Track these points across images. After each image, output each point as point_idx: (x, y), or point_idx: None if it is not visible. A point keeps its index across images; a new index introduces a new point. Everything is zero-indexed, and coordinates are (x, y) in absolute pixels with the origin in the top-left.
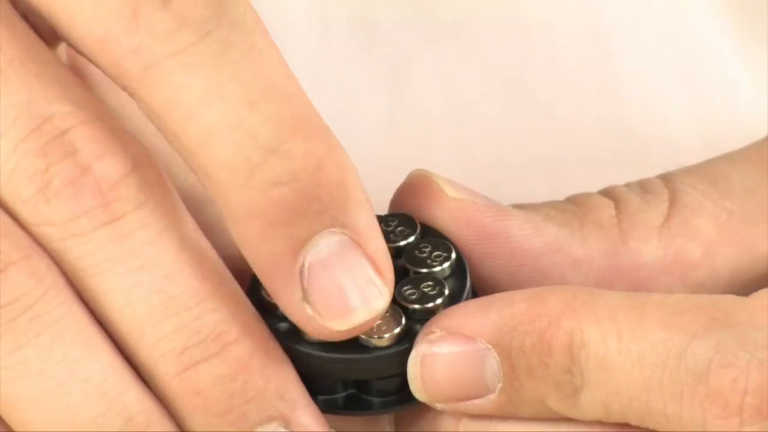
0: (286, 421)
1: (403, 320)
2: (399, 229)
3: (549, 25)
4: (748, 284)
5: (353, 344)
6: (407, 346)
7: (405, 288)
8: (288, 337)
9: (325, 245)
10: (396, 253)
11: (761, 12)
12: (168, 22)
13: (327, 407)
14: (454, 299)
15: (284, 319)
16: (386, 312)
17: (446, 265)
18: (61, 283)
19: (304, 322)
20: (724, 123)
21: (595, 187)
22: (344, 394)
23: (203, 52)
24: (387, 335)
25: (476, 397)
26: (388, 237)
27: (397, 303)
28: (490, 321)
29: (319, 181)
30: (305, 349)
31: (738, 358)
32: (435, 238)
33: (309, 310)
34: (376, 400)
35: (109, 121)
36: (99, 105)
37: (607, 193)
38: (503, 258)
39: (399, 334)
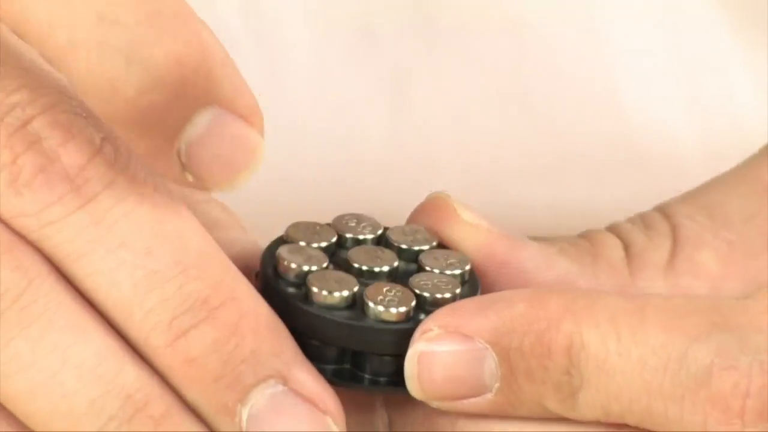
0: (283, 379)
1: (413, 303)
2: (420, 236)
3: (549, 33)
4: None
5: (359, 313)
6: (409, 327)
7: (419, 278)
8: (295, 298)
9: (198, 124)
10: (413, 257)
11: (761, 16)
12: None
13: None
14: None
15: (291, 283)
16: (398, 290)
17: (460, 271)
18: (45, 271)
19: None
20: (724, 127)
21: (594, 193)
22: (338, 367)
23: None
24: (394, 310)
25: (473, 396)
26: (405, 243)
27: (409, 288)
28: (489, 321)
29: (183, 74)
30: (312, 311)
31: (739, 362)
32: (453, 250)
33: (200, 176)
34: (367, 376)
35: (70, 102)
36: (59, 87)
37: (614, 230)
38: (513, 287)
39: (405, 312)
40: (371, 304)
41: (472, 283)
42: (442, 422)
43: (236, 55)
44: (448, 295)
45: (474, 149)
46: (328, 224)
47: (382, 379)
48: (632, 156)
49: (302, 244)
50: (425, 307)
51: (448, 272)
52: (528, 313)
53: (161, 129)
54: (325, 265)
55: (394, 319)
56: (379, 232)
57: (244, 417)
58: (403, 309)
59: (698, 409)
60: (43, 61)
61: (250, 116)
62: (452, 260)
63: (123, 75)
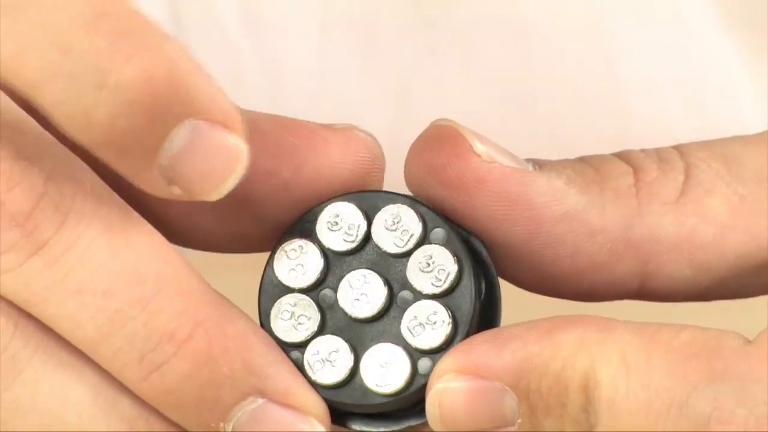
0: (260, 393)
1: (408, 372)
2: (402, 229)
3: (551, 35)
4: (749, 270)
5: (363, 393)
6: (415, 388)
7: (409, 321)
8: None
9: (179, 137)
10: (401, 255)
11: (762, 17)
12: None
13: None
14: (461, 326)
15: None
16: (389, 360)
17: (449, 284)
18: (24, 317)
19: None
20: (725, 128)
21: None
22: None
23: None
24: (392, 386)
25: (495, 429)
26: (389, 241)
27: (402, 340)
28: (505, 363)
29: (155, 92)
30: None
31: (735, 416)
32: (438, 244)
33: (182, 188)
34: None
35: (14, 142)
36: (1, 129)
37: (624, 157)
38: (521, 223)
39: (405, 384)
40: (369, 386)
41: (465, 287)
42: None
43: (238, 59)
44: (443, 339)
45: None
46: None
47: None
48: None
49: (289, 305)
50: (423, 354)
51: (438, 289)
52: (543, 354)
53: (140, 149)
54: (316, 326)
55: (397, 390)
56: (362, 235)
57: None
58: (400, 384)
59: None
60: None
61: (229, 122)
62: (440, 267)
63: (94, 102)
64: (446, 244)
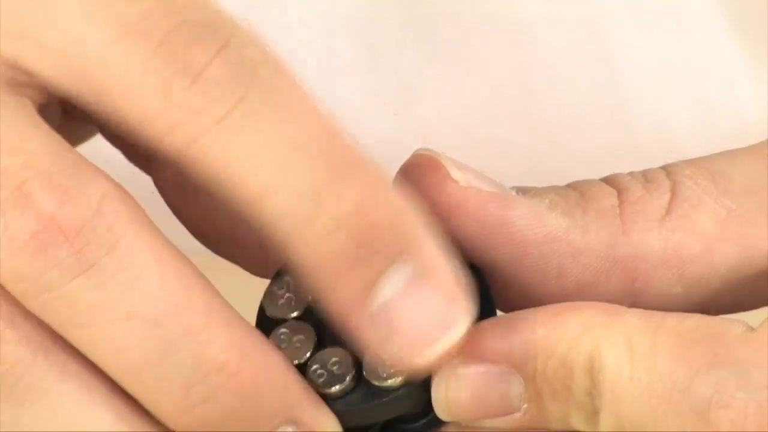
0: (293, 422)
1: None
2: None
3: (552, 41)
4: (743, 281)
5: (372, 394)
6: (420, 382)
7: None
8: None
9: (395, 281)
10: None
11: (761, 12)
12: (200, 97)
13: None
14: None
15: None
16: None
17: None
18: (49, 342)
19: (391, 361)
20: (726, 127)
21: None
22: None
23: (240, 120)
24: (397, 376)
25: (502, 415)
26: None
27: None
28: (512, 346)
29: (372, 219)
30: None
31: (736, 399)
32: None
33: (392, 348)
34: (407, 427)
35: (68, 160)
36: (57, 146)
37: (610, 181)
38: (506, 247)
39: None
40: (378, 384)
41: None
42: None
43: None
44: None
45: (478, 158)
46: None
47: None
48: (637, 160)
49: (283, 332)
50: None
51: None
52: (549, 336)
53: (353, 275)
54: (312, 347)
55: (401, 383)
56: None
57: None
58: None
59: None
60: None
61: (454, 291)
62: None
63: (312, 215)
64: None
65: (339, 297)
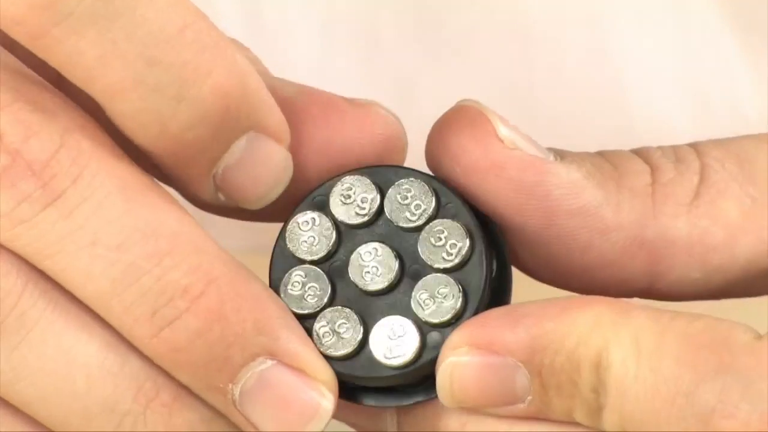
0: (270, 354)
1: (417, 345)
2: (415, 203)
3: (554, 37)
4: (761, 273)
5: (371, 365)
6: (424, 362)
7: (420, 293)
8: None
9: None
10: (413, 230)
11: (761, 9)
12: None
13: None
14: (471, 301)
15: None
16: (398, 333)
17: (460, 258)
18: (35, 275)
19: None
20: (728, 129)
21: None
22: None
23: (88, 16)
24: (402, 357)
25: (505, 405)
26: (401, 215)
27: (411, 313)
28: (519, 338)
29: (227, 105)
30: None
31: (739, 410)
32: (451, 219)
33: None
34: (398, 392)
35: (32, 95)
36: (21, 82)
37: (643, 155)
38: (537, 214)
39: (414, 356)
40: (378, 359)
41: (477, 261)
42: (450, 423)
43: None
44: (450, 314)
45: None
46: (323, 213)
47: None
48: None
49: (297, 279)
50: (432, 327)
51: (450, 263)
52: (558, 330)
53: (201, 159)
54: (326, 297)
55: (405, 362)
56: (375, 206)
57: (236, 394)
58: (410, 356)
59: None
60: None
61: (281, 135)
62: (452, 241)
63: (172, 113)
64: (458, 220)
65: (186, 171)
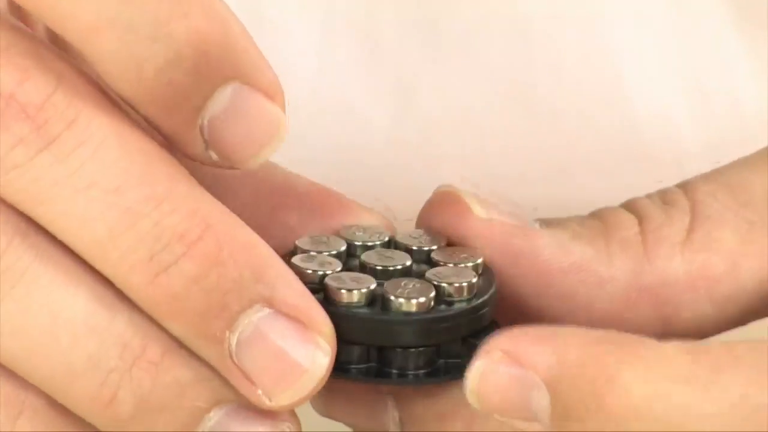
0: (268, 302)
1: (432, 293)
2: (427, 238)
3: (554, 36)
4: None
5: (380, 309)
6: (432, 317)
7: (435, 271)
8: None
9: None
10: (424, 256)
11: (761, 5)
12: None
13: (343, 374)
14: (481, 292)
15: (309, 289)
16: (416, 283)
17: (473, 263)
18: (23, 227)
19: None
20: (729, 125)
21: (602, 192)
22: (363, 366)
23: None
24: (414, 301)
25: (523, 420)
26: (415, 245)
27: (427, 281)
28: (545, 358)
29: (206, 49)
30: (333, 310)
31: None
32: (463, 246)
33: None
34: (394, 371)
35: (27, 43)
36: (16, 31)
37: (630, 207)
38: (531, 278)
39: (426, 302)
40: (392, 298)
41: (487, 275)
42: (455, 423)
43: None
44: (465, 283)
45: (480, 153)
46: (336, 235)
47: (409, 373)
48: (639, 157)
49: (313, 253)
50: (445, 297)
51: (461, 264)
52: (582, 360)
53: (184, 106)
54: (339, 268)
55: (415, 309)
56: (387, 238)
57: (233, 344)
58: (423, 299)
59: None
60: None
61: (272, 92)
62: (464, 254)
63: (147, 53)
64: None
65: (169, 121)
